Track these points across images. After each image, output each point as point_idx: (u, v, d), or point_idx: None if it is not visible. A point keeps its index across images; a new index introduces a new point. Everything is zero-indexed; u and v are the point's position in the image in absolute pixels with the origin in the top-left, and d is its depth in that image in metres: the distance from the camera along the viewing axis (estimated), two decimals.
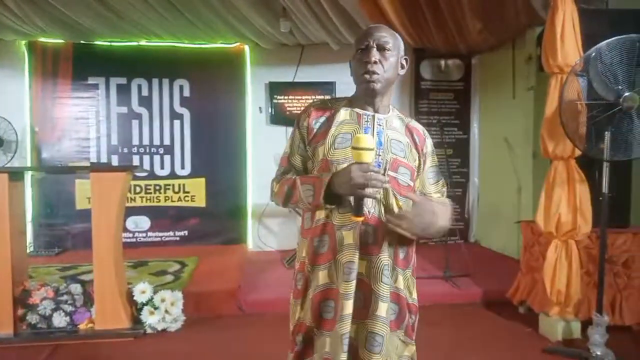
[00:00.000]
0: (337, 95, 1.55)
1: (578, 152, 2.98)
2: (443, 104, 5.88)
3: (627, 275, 3.26)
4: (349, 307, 1.40)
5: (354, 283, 1.40)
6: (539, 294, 3.30)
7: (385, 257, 1.43)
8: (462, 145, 5.93)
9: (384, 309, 1.41)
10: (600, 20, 3.14)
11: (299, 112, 1.57)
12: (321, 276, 1.46)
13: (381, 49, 1.41)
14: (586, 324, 3.00)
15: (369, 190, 1.29)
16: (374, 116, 1.48)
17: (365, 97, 1.48)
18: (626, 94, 2.61)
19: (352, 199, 1.34)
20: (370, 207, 1.42)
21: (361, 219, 1.35)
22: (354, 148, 1.30)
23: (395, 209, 1.44)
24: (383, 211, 1.43)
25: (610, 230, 2.94)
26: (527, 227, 3.63)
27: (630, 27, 2.78)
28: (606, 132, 2.70)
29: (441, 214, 1.41)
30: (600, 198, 2.82)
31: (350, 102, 1.54)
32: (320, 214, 1.47)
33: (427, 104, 5.85)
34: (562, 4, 3.00)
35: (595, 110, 2.73)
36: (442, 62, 5.82)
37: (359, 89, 1.48)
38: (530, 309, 3.46)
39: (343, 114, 1.50)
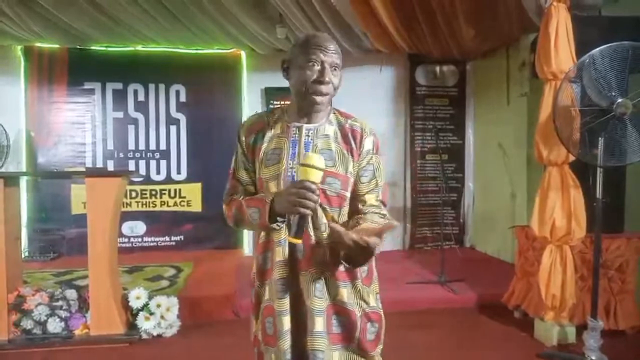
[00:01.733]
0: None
1: (572, 158, 3.01)
2: (438, 110, 5.92)
3: (621, 280, 3.28)
4: (286, 323, 1.39)
5: (286, 300, 1.40)
6: (534, 299, 3.32)
7: (315, 271, 1.39)
8: (457, 150, 5.96)
9: (320, 324, 1.38)
10: (594, 27, 3.16)
11: None
12: (266, 292, 1.46)
13: (333, 67, 1.38)
14: (581, 328, 3.02)
15: (302, 209, 1.25)
16: (300, 127, 1.44)
17: (307, 110, 1.43)
18: (619, 100, 2.64)
19: (292, 218, 1.30)
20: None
21: (299, 241, 1.29)
22: (301, 164, 1.27)
23: (323, 222, 1.40)
24: (311, 225, 1.39)
25: (604, 235, 2.97)
26: (522, 232, 3.65)
27: (622, 34, 2.81)
28: (600, 138, 2.73)
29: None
30: (594, 203, 2.85)
31: (283, 113, 1.51)
32: (262, 233, 1.47)
33: (422, 110, 5.88)
34: (555, 11, 3.04)
35: (588, 117, 2.76)
36: (437, 68, 5.87)
37: (301, 102, 1.42)
38: (525, 313, 3.48)
39: (274, 127, 1.48)
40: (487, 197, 5.71)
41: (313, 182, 1.26)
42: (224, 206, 1.56)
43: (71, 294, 3.35)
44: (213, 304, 3.78)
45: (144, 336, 3.28)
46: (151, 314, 3.32)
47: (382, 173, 1.52)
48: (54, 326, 3.21)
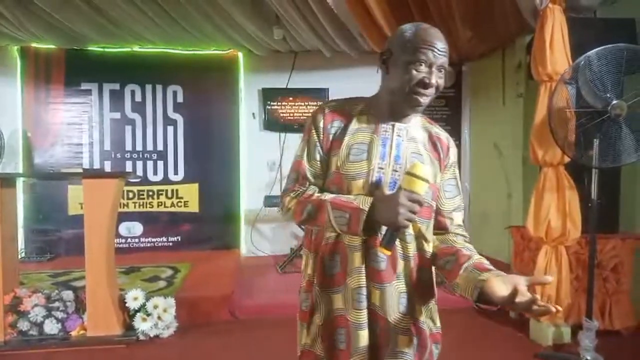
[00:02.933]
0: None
1: (567, 159, 3.03)
2: (434, 111, 5.92)
3: (616, 280, 3.30)
4: (363, 338, 1.25)
5: (365, 312, 1.26)
6: None
7: (401, 284, 1.28)
8: None
9: (405, 343, 1.27)
10: (589, 29, 3.19)
11: (292, 118, 1.44)
12: (334, 300, 1.30)
13: (440, 70, 1.26)
14: (576, 329, 3.04)
15: (407, 222, 1.16)
16: (393, 125, 1.31)
17: (403, 111, 1.31)
18: (614, 102, 2.65)
19: (385, 228, 1.19)
20: (382, 230, 1.25)
21: (389, 252, 1.21)
22: (408, 173, 1.17)
23: (409, 233, 1.29)
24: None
25: (599, 236, 2.99)
26: (518, 233, 3.67)
27: (617, 36, 2.84)
28: (595, 140, 2.75)
29: None
30: (589, 204, 2.87)
31: (369, 105, 1.36)
32: (329, 232, 1.30)
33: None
34: (551, 13, 3.05)
35: (584, 118, 2.78)
36: None
37: (399, 101, 1.28)
38: (521, 314, 3.49)
39: (359, 120, 1.33)
40: (484, 197, 5.72)
41: (419, 194, 1.16)
42: (286, 199, 1.35)
43: (68, 295, 3.35)
44: (210, 304, 3.78)
45: (141, 337, 3.28)
46: (148, 315, 3.32)
47: None
48: (51, 327, 3.21)
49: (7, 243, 3.22)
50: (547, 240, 3.12)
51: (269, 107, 5.67)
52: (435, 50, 1.24)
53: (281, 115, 5.66)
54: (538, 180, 3.18)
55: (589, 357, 2.79)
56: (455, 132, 5.99)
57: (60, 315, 3.25)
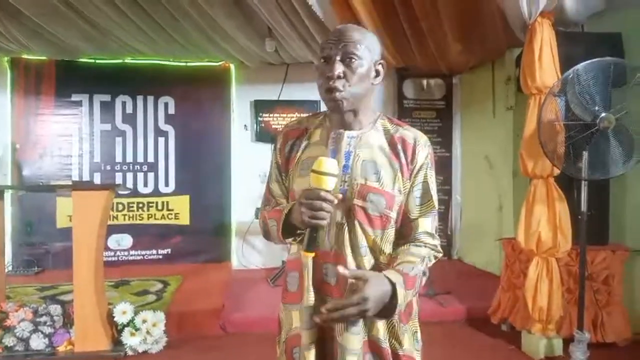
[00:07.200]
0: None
1: (557, 171, 3.05)
2: (426, 122, 5.97)
3: (607, 292, 3.30)
4: (310, 359, 1.22)
5: (311, 332, 1.22)
6: (521, 312, 3.33)
7: None
8: (444, 162, 5.99)
9: None
10: (577, 43, 3.23)
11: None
12: (293, 318, 1.29)
13: (347, 58, 1.20)
14: (568, 341, 3.03)
15: (314, 221, 1.12)
16: (341, 135, 1.27)
17: (336, 117, 1.29)
18: (602, 114, 2.68)
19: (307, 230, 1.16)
20: (331, 243, 1.23)
21: (311, 254, 1.16)
22: (313, 171, 1.13)
23: (363, 246, 1.23)
24: (349, 247, 1.23)
25: (589, 248, 3.00)
26: (508, 245, 3.67)
27: (604, 50, 2.88)
28: (584, 152, 2.77)
29: (401, 295, 1.15)
30: (579, 216, 2.88)
31: (325, 118, 1.36)
32: (293, 247, 1.32)
33: (411, 122, 5.86)
34: (539, 27, 3.09)
35: (572, 131, 2.80)
36: (424, 82, 5.93)
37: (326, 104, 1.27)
38: (513, 326, 3.48)
39: (314, 134, 1.33)
40: (475, 209, 5.75)
41: (327, 190, 1.12)
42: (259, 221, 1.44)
43: (55, 309, 3.29)
44: (200, 318, 3.74)
45: (130, 352, 3.23)
46: (137, 329, 3.27)
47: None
48: (37, 343, 3.14)
49: None
50: (538, 252, 3.13)
51: (261, 119, 5.68)
52: (335, 43, 1.21)
53: (273, 127, 5.66)
54: (528, 192, 3.20)
55: None
56: (446, 144, 6.03)
57: (47, 330, 3.19)
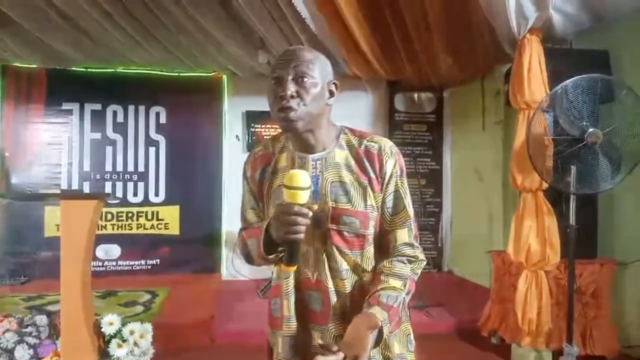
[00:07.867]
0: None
1: (546, 185, 3.08)
2: (416, 135, 6.01)
3: (596, 306, 3.32)
4: None
5: None
6: (510, 324, 3.34)
7: (335, 326, 1.22)
8: (435, 175, 6.04)
9: None
10: (565, 59, 3.28)
11: None
12: (278, 344, 1.28)
13: (299, 78, 1.19)
14: (557, 354, 3.04)
15: (290, 236, 1.11)
16: (306, 159, 1.26)
17: (294, 138, 1.27)
18: (590, 129, 2.73)
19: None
20: (312, 269, 1.23)
21: (293, 268, 1.16)
22: (285, 186, 1.12)
23: (344, 269, 1.22)
24: (329, 272, 1.22)
25: (578, 261, 3.03)
26: (498, 257, 3.69)
27: (592, 66, 2.93)
28: (572, 166, 2.81)
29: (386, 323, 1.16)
30: (568, 229, 2.91)
31: (287, 140, 1.32)
32: (275, 272, 1.32)
33: (401, 135, 5.97)
34: (528, 43, 3.15)
35: (561, 145, 2.85)
36: (415, 95, 5.99)
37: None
38: (503, 339, 3.49)
39: (280, 159, 1.31)
40: (465, 221, 5.77)
41: (301, 204, 1.11)
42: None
43: (41, 319, 3.24)
44: (189, 329, 3.71)
45: None
46: (124, 340, 3.22)
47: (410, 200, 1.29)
48: (22, 354, 3.09)
49: None
50: (527, 265, 3.15)
51: (253, 130, 5.69)
52: (287, 63, 1.20)
53: (265, 137, 5.67)
54: (518, 206, 3.23)
55: None
56: (436, 157, 6.07)
57: (32, 340, 3.14)
